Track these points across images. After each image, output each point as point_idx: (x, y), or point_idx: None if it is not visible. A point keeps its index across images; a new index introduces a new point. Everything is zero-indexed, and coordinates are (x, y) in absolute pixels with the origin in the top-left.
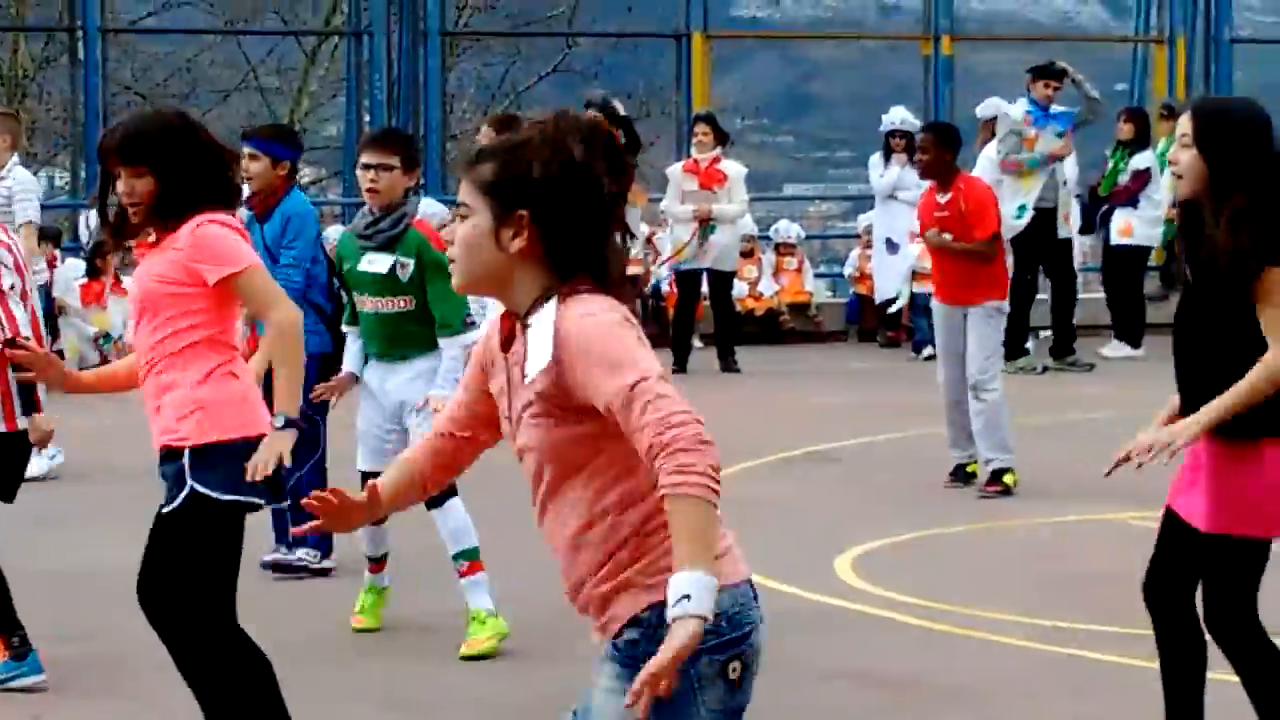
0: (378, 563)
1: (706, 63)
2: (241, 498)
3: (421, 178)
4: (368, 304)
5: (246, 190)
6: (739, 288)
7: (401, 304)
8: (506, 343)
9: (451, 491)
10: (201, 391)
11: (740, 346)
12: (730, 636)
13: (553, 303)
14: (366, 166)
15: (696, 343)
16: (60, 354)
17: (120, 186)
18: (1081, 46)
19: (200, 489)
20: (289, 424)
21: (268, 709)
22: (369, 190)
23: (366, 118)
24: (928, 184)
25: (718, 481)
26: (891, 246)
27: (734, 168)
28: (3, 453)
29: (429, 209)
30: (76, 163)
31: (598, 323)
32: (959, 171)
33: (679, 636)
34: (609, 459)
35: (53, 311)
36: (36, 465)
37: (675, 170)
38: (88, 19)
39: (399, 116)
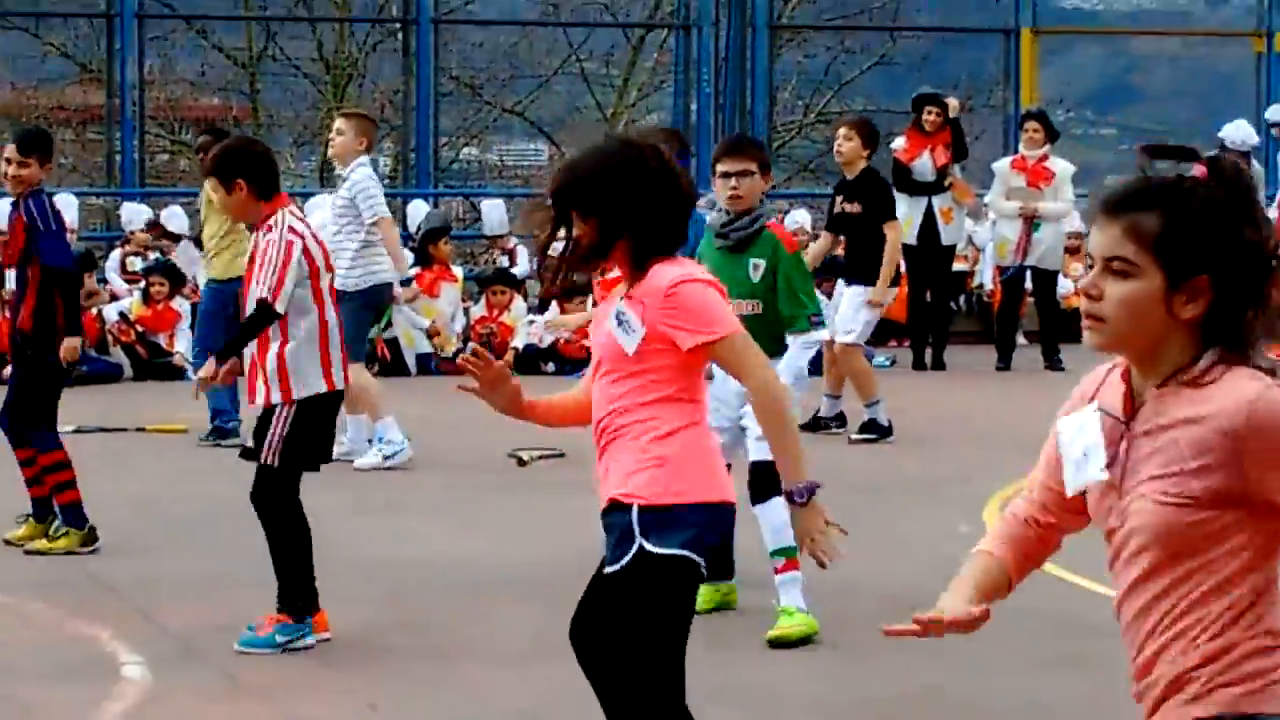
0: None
1: (1035, 58)
2: (695, 556)
3: None
4: None
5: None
6: (1064, 285)
7: (750, 308)
8: (1129, 407)
9: (776, 490)
10: (664, 448)
11: (1065, 344)
12: None
13: (1239, 377)
14: (727, 175)
15: (1021, 340)
16: (396, 342)
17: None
18: None
19: (649, 548)
20: (802, 494)
21: None
22: (731, 197)
23: (693, 106)
24: None
25: None
26: None
27: (1062, 165)
28: (318, 415)
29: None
30: (405, 152)
31: None
32: None
33: None
34: (1236, 550)
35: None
36: (370, 458)
37: (1003, 166)
38: (421, 10)
39: (725, 109)
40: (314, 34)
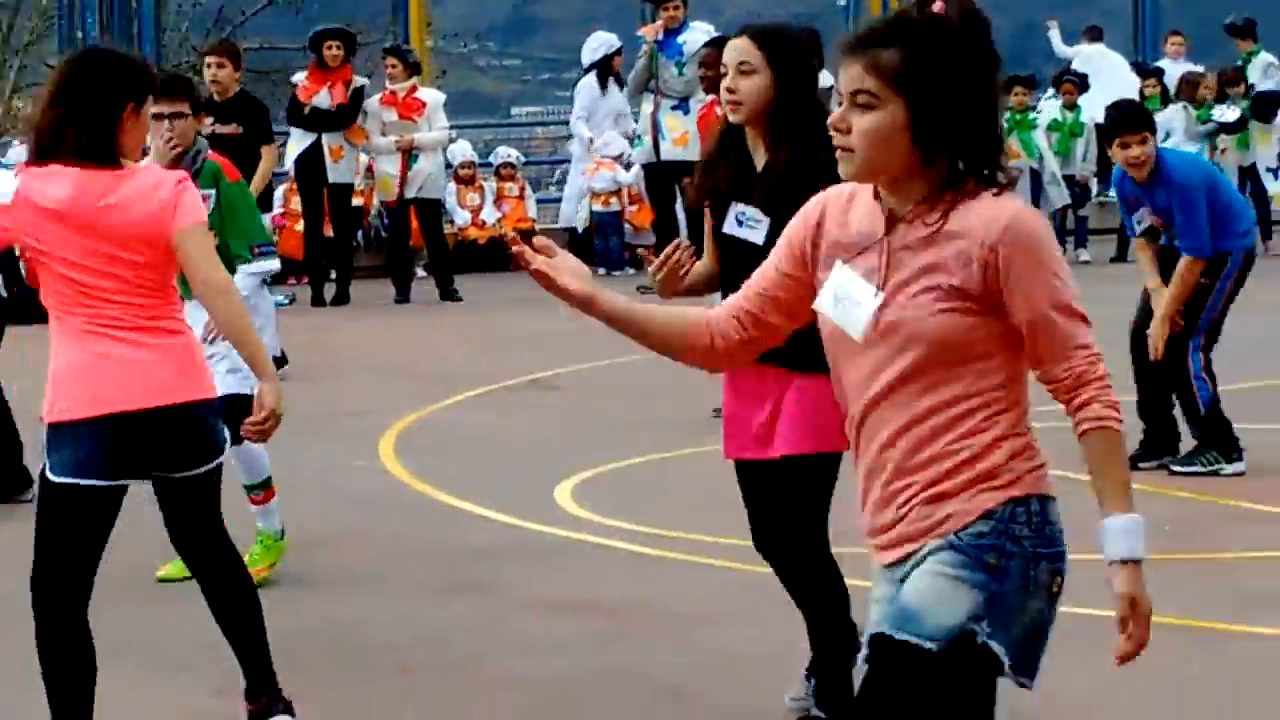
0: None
1: None
2: None
3: None
4: None
5: None
6: (462, 216)
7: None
8: (890, 226)
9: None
10: None
11: (465, 275)
12: (1060, 549)
13: (990, 196)
14: (160, 116)
15: (420, 272)
16: None
17: None
18: None
19: None
20: None
21: None
22: (170, 143)
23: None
24: None
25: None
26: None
27: (432, 95)
28: None
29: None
30: None
31: (1044, 227)
32: None
33: (1134, 584)
34: (993, 360)
35: None
36: None
37: (373, 104)
38: None
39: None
40: None
